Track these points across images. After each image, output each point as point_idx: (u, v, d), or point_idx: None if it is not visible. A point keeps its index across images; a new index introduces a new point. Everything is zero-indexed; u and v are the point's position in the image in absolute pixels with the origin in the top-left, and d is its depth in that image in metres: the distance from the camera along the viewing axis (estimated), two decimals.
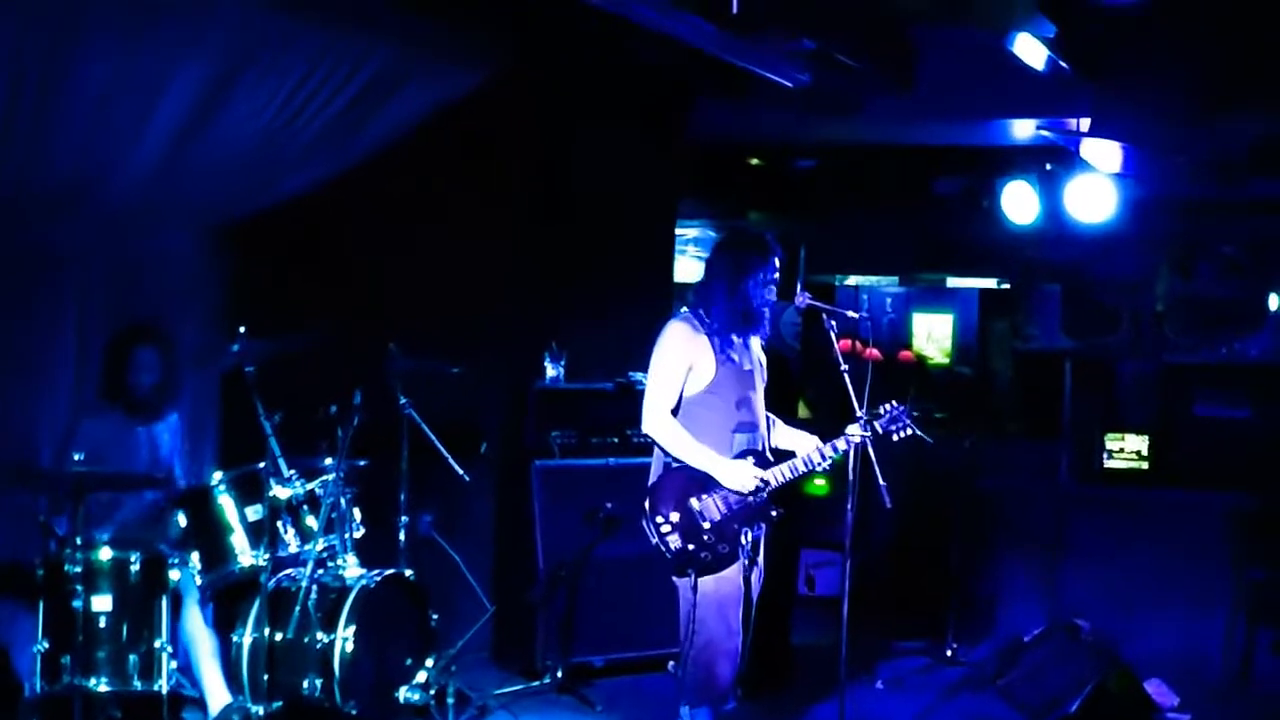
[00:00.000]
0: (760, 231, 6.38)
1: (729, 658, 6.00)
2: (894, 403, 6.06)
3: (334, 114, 6.88)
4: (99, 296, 7.01)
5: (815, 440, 6.13)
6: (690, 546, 5.88)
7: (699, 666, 5.96)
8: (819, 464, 6.06)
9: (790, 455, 6.10)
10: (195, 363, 7.26)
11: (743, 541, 5.94)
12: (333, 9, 6.53)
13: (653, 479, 6.05)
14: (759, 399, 6.17)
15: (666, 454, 6.00)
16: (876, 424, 5.99)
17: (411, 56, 7.02)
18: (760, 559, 6.13)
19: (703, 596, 5.89)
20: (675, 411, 6.01)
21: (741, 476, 5.93)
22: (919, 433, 6.05)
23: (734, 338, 6.07)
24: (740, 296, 6.00)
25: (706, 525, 5.91)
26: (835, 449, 6.03)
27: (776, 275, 6.09)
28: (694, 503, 5.92)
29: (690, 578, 5.88)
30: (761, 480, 5.93)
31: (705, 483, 5.94)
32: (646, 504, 5.95)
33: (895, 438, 6.04)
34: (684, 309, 6.22)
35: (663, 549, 5.90)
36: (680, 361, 6.00)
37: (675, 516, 5.90)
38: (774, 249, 6.09)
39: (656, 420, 5.97)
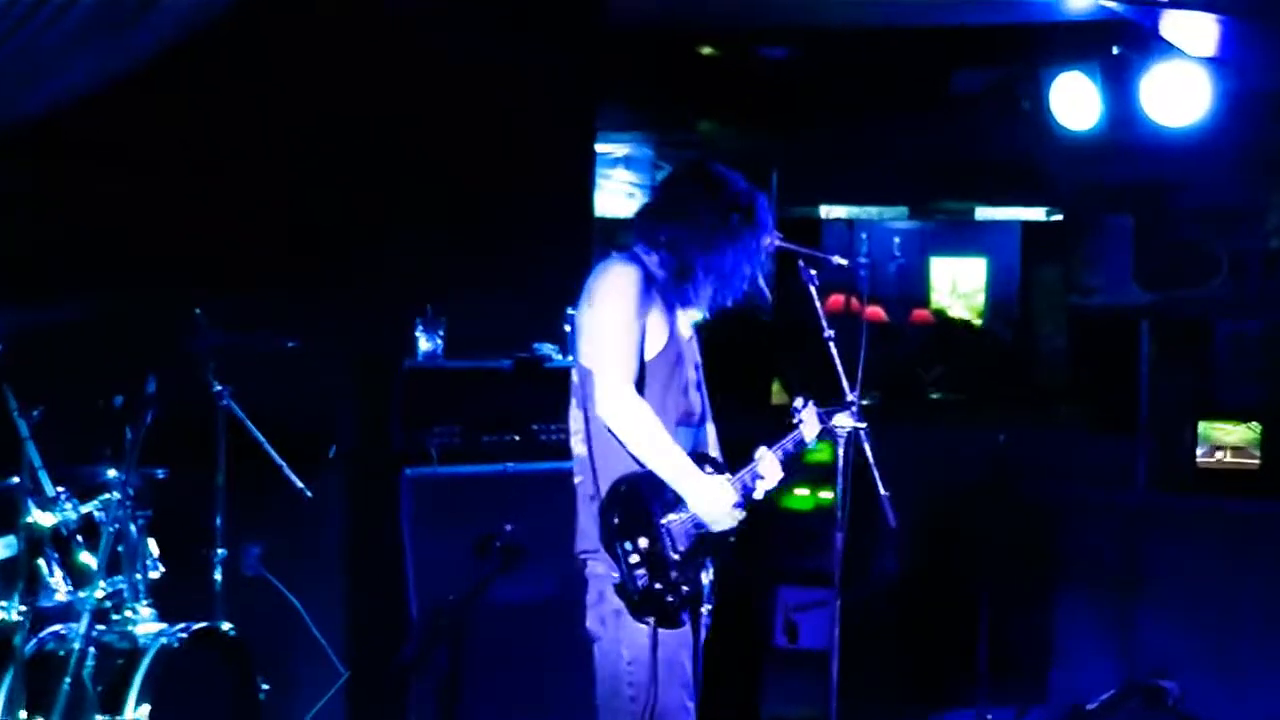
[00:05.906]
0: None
1: None
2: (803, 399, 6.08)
3: None
4: None
5: (761, 449, 6.04)
6: (657, 585, 5.81)
7: None
8: (770, 481, 6.01)
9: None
10: None
11: (704, 581, 5.96)
12: None
13: (612, 481, 5.87)
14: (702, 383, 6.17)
15: (626, 449, 5.87)
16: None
17: None
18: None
19: (648, 652, 5.85)
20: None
21: (721, 504, 5.84)
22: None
23: (674, 299, 6.01)
24: (736, 251, 5.95)
25: (675, 557, 5.84)
26: (785, 451, 6.00)
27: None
28: (664, 524, 5.84)
29: (649, 626, 5.83)
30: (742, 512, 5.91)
31: (676, 499, 5.86)
32: (615, 519, 5.81)
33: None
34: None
35: (628, 588, 5.80)
36: (637, 315, 5.86)
37: (644, 543, 5.80)
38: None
39: (623, 398, 5.77)
